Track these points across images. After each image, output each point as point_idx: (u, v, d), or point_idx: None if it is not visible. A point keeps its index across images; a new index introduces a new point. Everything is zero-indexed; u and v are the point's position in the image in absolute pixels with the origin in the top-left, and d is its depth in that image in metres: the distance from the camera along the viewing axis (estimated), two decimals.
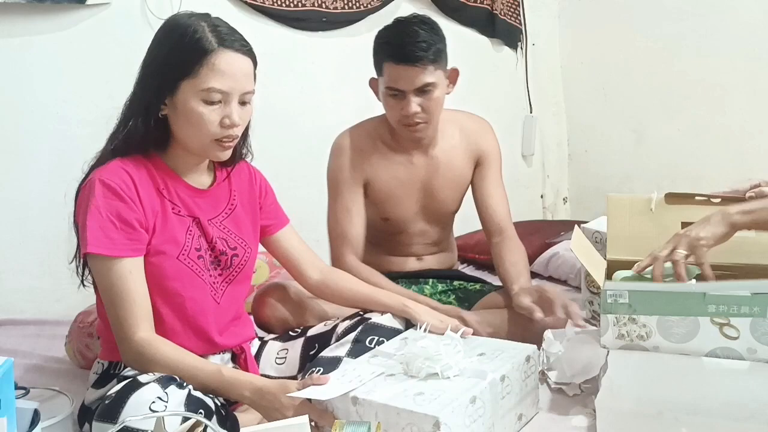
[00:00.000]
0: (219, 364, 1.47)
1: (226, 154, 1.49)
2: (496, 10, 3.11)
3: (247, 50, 1.45)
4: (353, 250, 1.95)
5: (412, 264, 2.11)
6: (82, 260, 1.48)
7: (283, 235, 1.70)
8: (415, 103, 1.84)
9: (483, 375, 1.35)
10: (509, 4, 3.18)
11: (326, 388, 1.34)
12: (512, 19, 3.21)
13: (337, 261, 1.95)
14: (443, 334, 1.50)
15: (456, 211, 2.12)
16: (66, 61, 2.26)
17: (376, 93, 1.95)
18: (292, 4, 2.61)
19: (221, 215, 1.57)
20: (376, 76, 1.92)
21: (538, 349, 1.56)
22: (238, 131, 1.47)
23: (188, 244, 1.49)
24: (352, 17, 2.69)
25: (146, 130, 1.45)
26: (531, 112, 3.34)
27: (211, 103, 1.41)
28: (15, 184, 2.23)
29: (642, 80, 3.12)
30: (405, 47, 1.80)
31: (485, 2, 3.10)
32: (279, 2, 2.59)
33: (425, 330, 1.54)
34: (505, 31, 3.20)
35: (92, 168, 1.48)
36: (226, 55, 1.41)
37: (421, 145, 1.99)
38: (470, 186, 2.07)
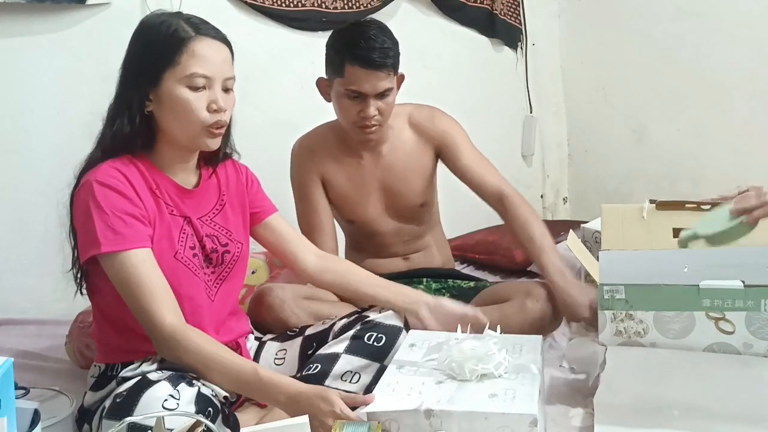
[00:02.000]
0: (255, 363, 1.44)
1: (216, 143, 1.50)
2: (496, 10, 3.11)
3: (222, 38, 1.48)
4: (329, 248, 1.96)
5: (399, 264, 2.12)
6: (80, 267, 1.48)
7: (272, 221, 1.70)
8: (374, 107, 1.88)
9: (527, 369, 1.35)
10: (509, 4, 3.18)
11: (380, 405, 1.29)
12: (512, 19, 3.20)
13: None
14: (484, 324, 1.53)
15: (426, 204, 2.10)
16: (66, 61, 2.26)
17: (323, 93, 1.97)
18: (292, 4, 2.61)
19: (211, 212, 1.57)
20: (325, 77, 1.94)
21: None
22: (226, 117, 1.48)
23: (183, 243, 1.49)
24: (352, 17, 2.68)
25: (132, 128, 1.46)
26: (531, 112, 3.34)
27: (196, 88, 1.43)
28: (15, 184, 2.23)
29: (642, 80, 3.11)
30: (372, 53, 1.83)
31: (485, 2, 3.10)
32: (279, 2, 2.59)
33: (465, 331, 1.50)
34: (505, 31, 3.19)
35: (82, 173, 1.48)
36: (203, 41, 1.44)
37: (370, 145, 2.01)
38: (454, 173, 2.05)
